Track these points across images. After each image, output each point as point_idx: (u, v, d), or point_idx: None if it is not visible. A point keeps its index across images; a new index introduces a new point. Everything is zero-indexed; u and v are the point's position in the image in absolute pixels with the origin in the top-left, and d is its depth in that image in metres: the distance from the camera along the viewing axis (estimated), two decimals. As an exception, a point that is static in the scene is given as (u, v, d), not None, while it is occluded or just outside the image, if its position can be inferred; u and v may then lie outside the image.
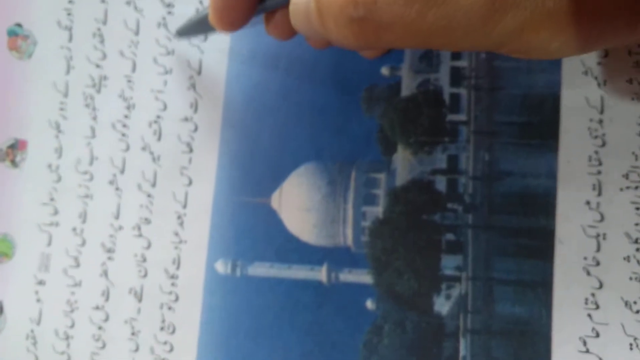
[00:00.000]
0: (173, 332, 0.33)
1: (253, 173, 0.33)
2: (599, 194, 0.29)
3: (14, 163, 0.36)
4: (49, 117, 0.36)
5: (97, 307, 0.34)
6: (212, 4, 0.26)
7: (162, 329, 0.33)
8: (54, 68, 0.36)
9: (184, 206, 0.34)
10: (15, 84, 0.36)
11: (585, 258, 0.29)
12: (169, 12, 0.35)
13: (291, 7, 0.24)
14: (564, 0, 0.20)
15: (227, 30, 0.27)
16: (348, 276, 0.32)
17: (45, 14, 0.36)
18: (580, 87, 0.30)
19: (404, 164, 0.32)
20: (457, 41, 0.21)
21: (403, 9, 0.20)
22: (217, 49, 0.34)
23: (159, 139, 0.34)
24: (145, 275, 0.34)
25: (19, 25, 0.36)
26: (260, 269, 0.33)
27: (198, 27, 0.31)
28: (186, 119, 0.34)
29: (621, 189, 0.29)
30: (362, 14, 0.21)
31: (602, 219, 0.29)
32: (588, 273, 0.29)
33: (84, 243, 0.34)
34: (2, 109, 0.36)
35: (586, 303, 0.29)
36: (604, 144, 0.30)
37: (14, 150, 0.36)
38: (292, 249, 0.33)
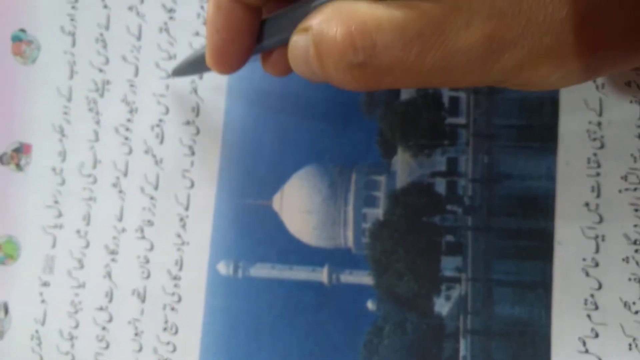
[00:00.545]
0: (176, 332, 0.33)
1: (254, 175, 0.34)
2: (598, 195, 0.30)
3: (18, 167, 0.36)
4: (53, 121, 0.36)
5: (100, 308, 0.34)
6: (208, 46, 0.26)
7: (165, 329, 0.33)
8: (58, 73, 0.36)
9: (187, 208, 0.34)
10: (19, 88, 0.36)
11: (584, 259, 0.30)
12: (171, 17, 0.35)
13: (290, 50, 0.24)
14: (562, 35, 0.20)
15: (224, 73, 0.27)
16: (349, 277, 0.32)
17: (48, 20, 0.36)
18: (579, 90, 0.30)
19: (403, 167, 0.32)
20: (456, 80, 0.21)
21: (402, 53, 0.21)
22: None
23: (162, 142, 0.35)
24: (148, 276, 0.34)
25: (23, 30, 0.37)
26: (262, 271, 0.33)
27: (194, 66, 0.31)
28: (188, 123, 0.34)
29: (620, 191, 0.29)
30: (362, 59, 0.21)
31: (601, 220, 0.30)
32: (587, 274, 0.29)
33: (87, 245, 0.35)
34: (7, 113, 0.36)
35: (585, 304, 0.29)
36: (602, 146, 0.30)
37: (19, 154, 0.36)
38: (293, 251, 0.33)
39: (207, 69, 0.27)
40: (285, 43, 0.24)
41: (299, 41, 0.23)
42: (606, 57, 0.21)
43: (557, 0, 0.19)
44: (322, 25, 0.22)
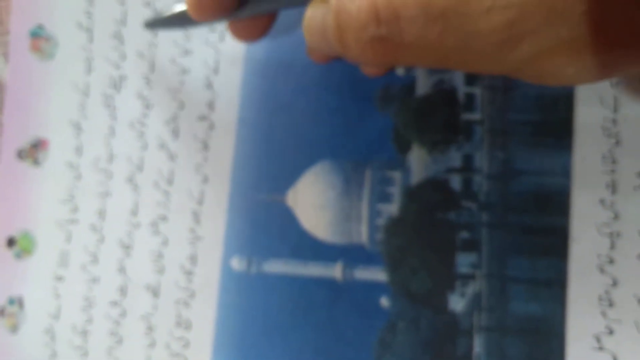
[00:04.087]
0: (189, 328, 0.33)
1: (268, 171, 0.34)
2: (613, 192, 0.29)
3: (35, 162, 0.36)
4: (70, 117, 0.36)
5: (114, 303, 0.34)
6: None
7: (178, 325, 0.33)
8: (75, 69, 0.36)
9: (200, 203, 0.34)
10: (37, 84, 0.37)
11: (599, 256, 0.29)
12: (187, 14, 0.35)
13: (305, 21, 0.24)
14: (580, 28, 0.20)
15: (199, 18, 0.27)
16: (362, 274, 0.32)
17: (66, 16, 0.37)
18: (594, 86, 0.30)
19: (418, 163, 0.32)
20: (471, 64, 0.21)
21: (424, 30, 0.21)
22: (234, 50, 0.34)
23: (176, 137, 0.35)
24: (162, 271, 0.34)
25: (41, 27, 0.37)
26: (275, 266, 0.33)
27: (171, 20, 0.31)
28: (203, 118, 0.35)
29: (635, 188, 0.29)
30: (384, 32, 0.21)
31: (617, 217, 0.29)
32: (602, 271, 0.29)
33: (102, 240, 0.35)
34: (26, 109, 0.37)
35: (600, 300, 0.29)
36: (618, 143, 0.30)
37: (36, 149, 0.36)
38: (307, 247, 0.33)
39: (186, 23, 0.28)
40: (264, 13, 0.24)
41: (316, 11, 0.23)
42: (621, 56, 0.21)
43: None
44: None
